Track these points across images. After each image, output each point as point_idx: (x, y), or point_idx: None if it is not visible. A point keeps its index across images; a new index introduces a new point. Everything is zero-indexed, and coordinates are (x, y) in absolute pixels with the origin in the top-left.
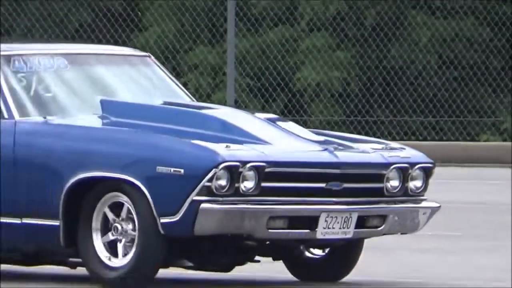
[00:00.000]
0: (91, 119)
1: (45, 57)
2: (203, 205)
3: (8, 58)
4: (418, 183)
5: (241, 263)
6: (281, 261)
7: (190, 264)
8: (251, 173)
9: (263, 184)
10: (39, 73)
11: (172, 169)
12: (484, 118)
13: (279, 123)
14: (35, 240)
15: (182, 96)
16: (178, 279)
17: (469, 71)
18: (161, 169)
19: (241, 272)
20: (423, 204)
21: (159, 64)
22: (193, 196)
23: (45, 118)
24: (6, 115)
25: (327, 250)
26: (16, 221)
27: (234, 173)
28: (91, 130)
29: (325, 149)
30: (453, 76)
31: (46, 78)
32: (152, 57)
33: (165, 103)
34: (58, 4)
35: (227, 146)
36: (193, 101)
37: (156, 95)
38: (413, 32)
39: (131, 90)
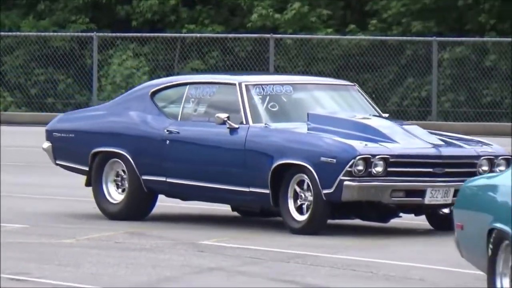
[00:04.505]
0: (296, 125)
1: (278, 85)
2: (345, 183)
3: (253, 86)
4: (502, 168)
5: (389, 217)
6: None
7: (355, 217)
8: (380, 162)
9: (389, 169)
10: (271, 95)
11: (329, 159)
12: None
13: (406, 126)
14: (258, 201)
15: (370, 111)
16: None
17: None
18: (323, 159)
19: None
20: None
21: (360, 90)
22: (340, 177)
23: (266, 125)
24: (244, 122)
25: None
26: (245, 189)
27: (367, 161)
28: (291, 133)
29: (433, 146)
30: None
31: (275, 99)
32: (357, 85)
33: (351, 116)
34: None
35: (365, 145)
36: (379, 114)
37: (347, 110)
38: None
39: (331, 106)
